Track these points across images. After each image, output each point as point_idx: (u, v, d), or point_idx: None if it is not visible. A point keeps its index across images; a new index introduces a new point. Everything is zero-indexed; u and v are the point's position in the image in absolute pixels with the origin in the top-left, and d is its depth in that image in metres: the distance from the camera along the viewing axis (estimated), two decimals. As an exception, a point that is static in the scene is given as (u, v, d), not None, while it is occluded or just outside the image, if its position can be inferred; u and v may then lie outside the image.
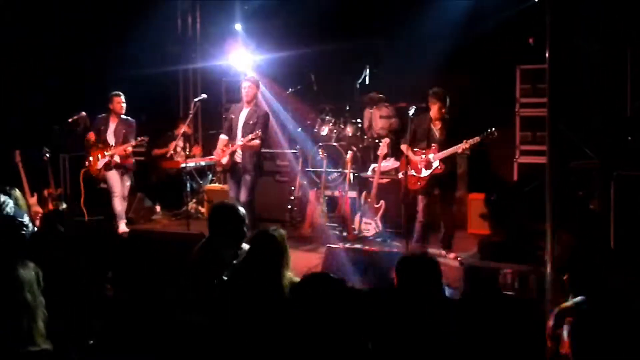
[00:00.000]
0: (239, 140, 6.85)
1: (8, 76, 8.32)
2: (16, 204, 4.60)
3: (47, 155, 7.74)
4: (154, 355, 2.71)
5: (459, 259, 6.22)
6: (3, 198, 4.33)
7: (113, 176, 7.59)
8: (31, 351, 2.30)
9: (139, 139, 7.59)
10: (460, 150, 6.30)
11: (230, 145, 6.95)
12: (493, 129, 6.18)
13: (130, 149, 7.58)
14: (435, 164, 6.45)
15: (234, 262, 3.72)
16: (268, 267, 3.29)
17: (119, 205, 7.62)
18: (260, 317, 3.03)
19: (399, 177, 6.96)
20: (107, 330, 2.95)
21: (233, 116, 7.04)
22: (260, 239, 3.40)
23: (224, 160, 7.00)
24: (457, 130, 6.45)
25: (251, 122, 6.88)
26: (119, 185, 7.60)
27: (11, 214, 4.21)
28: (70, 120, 7.84)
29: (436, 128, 6.55)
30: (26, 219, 4.29)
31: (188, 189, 8.45)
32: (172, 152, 8.62)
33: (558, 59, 4.06)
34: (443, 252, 6.59)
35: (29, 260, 2.48)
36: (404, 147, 6.68)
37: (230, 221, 3.78)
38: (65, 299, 2.67)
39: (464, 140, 6.23)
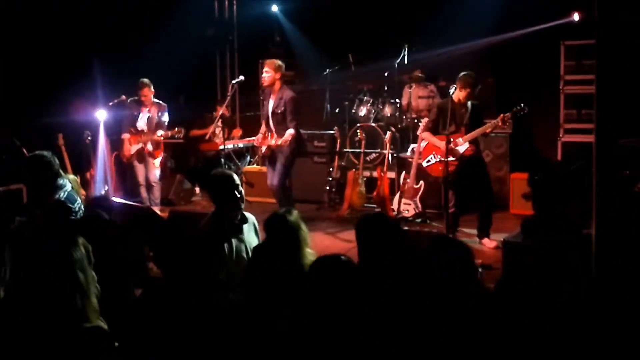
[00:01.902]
0: (272, 139, 6.79)
1: (50, 60, 8.45)
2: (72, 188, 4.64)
3: (89, 138, 7.87)
4: (192, 335, 2.73)
5: (502, 239, 6.10)
6: (62, 181, 4.38)
7: (139, 168, 7.67)
8: (85, 327, 2.35)
9: (175, 129, 7.56)
10: (489, 130, 6.20)
11: (269, 134, 6.89)
12: (523, 105, 6.04)
13: (163, 136, 7.55)
14: (465, 146, 6.24)
15: (242, 226, 3.84)
16: (285, 250, 3.31)
17: (144, 193, 7.73)
18: (282, 300, 3.04)
19: (436, 160, 6.79)
20: (148, 309, 2.97)
21: (265, 102, 7.00)
22: (273, 223, 3.40)
23: (263, 149, 7.01)
24: (481, 112, 6.34)
25: (279, 112, 6.76)
26: (143, 175, 7.68)
27: (62, 198, 4.25)
28: (110, 104, 7.93)
29: (461, 111, 6.28)
30: (77, 205, 4.32)
31: (226, 171, 8.48)
32: (210, 134, 8.64)
33: (607, 33, 3.90)
34: (484, 239, 6.42)
35: (78, 236, 2.51)
36: (425, 134, 6.49)
37: (227, 187, 3.83)
38: (111, 280, 2.70)
39: (501, 116, 6.09)
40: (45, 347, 2.30)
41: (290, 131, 6.67)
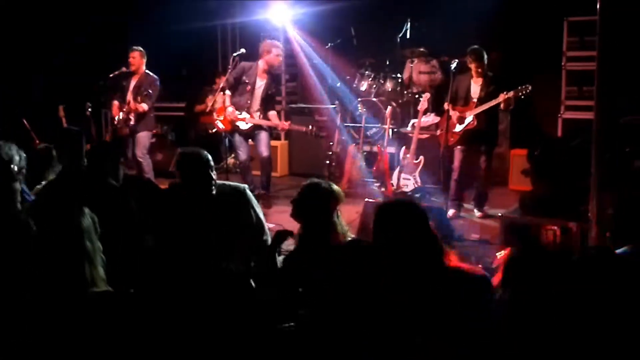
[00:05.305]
0: (265, 116, 6.92)
1: (51, 32, 8.40)
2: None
3: (90, 110, 7.84)
4: (191, 303, 2.76)
5: (499, 214, 6.17)
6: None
7: (127, 139, 7.50)
8: (94, 292, 2.41)
9: (139, 97, 7.28)
10: (502, 105, 6.19)
11: (251, 114, 6.93)
12: (527, 85, 6.08)
13: (142, 107, 7.28)
14: (469, 119, 6.37)
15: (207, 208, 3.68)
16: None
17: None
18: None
19: (437, 133, 6.91)
20: (147, 279, 3.00)
21: (248, 81, 6.94)
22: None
23: (244, 126, 6.95)
24: (500, 86, 6.32)
25: (270, 93, 6.95)
26: (126, 148, 7.49)
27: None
28: (111, 75, 7.87)
29: (477, 85, 6.44)
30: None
31: (226, 144, 8.47)
32: (211, 107, 8.61)
33: (610, 10, 3.88)
34: (476, 211, 6.58)
35: (85, 207, 2.55)
36: (446, 105, 6.56)
37: (199, 167, 3.77)
38: (112, 248, 2.74)
39: (500, 95, 6.15)
40: (55, 311, 2.35)
41: (274, 112, 7.08)
